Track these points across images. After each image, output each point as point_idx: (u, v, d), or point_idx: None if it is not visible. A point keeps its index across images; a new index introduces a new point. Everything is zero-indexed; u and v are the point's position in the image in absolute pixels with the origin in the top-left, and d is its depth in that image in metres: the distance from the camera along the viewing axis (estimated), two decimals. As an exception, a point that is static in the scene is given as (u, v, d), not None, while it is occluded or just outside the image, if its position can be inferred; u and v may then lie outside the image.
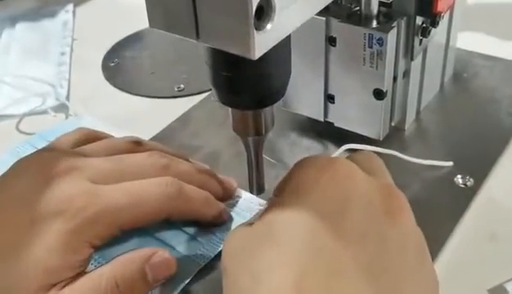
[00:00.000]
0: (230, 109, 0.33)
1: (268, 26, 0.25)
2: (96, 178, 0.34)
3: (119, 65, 0.60)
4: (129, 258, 0.33)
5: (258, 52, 0.25)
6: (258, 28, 0.25)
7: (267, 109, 0.33)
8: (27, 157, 0.36)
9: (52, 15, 0.69)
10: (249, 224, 0.29)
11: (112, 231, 0.33)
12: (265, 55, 0.26)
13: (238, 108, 0.32)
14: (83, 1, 0.73)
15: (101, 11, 0.70)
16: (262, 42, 0.25)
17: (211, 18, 0.26)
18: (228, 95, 0.32)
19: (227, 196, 0.40)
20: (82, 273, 0.32)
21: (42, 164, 0.35)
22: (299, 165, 0.30)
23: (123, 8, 0.69)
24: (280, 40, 0.27)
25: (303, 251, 0.25)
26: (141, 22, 0.29)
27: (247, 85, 0.31)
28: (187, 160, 0.41)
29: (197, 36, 0.27)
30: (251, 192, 0.37)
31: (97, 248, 0.33)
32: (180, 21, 0.27)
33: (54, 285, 0.31)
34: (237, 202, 0.40)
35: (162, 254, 0.34)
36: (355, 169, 0.29)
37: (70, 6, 0.71)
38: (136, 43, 0.64)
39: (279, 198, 0.29)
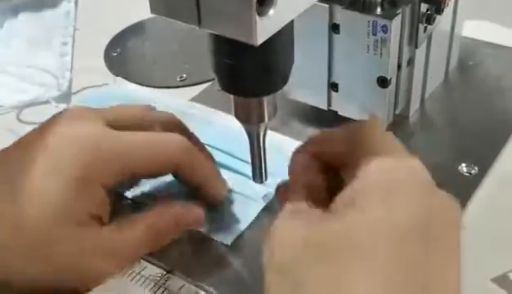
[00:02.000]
0: (233, 97, 0.33)
1: (271, 12, 0.25)
2: (111, 124, 0.35)
3: (122, 55, 0.60)
4: (165, 210, 0.35)
5: (260, 38, 0.25)
6: (261, 13, 0.25)
7: (270, 96, 0.32)
8: None
9: (54, 5, 0.69)
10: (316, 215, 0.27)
11: (124, 172, 0.34)
12: (268, 41, 0.26)
13: (241, 95, 0.32)
14: (85, -9, 0.72)
15: (103, 0, 0.69)
16: (264, 28, 0.25)
17: (213, 3, 0.26)
18: (231, 82, 0.31)
19: None
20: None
21: (58, 115, 0.36)
22: (378, 165, 0.27)
23: (125, -2, 0.68)
24: (282, 26, 0.27)
25: (392, 266, 0.24)
26: (143, 12, 0.29)
27: (250, 72, 0.30)
28: None
29: (199, 22, 0.27)
30: (254, 180, 0.36)
31: (110, 190, 0.34)
32: (182, 7, 0.27)
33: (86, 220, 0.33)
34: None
35: (197, 212, 0.36)
36: (428, 176, 0.28)
37: (72, -4, 0.71)
38: (139, 33, 0.64)
39: (352, 199, 0.26)
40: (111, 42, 0.62)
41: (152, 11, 0.28)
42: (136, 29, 0.64)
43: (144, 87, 0.55)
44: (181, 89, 0.54)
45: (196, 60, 0.57)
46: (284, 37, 0.30)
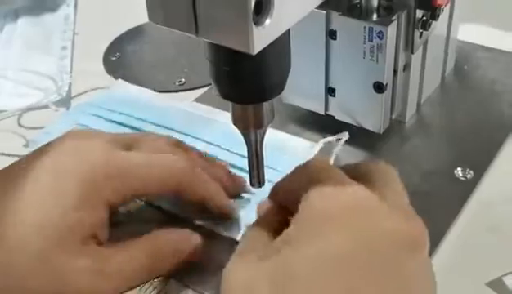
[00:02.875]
0: (230, 103, 0.33)
1: (267, 21, 0.26)
2: (116, 144, 0.36)
3: (121, 59, 0.60)
4: (163, 237, 0.35)
5: (257, 47, 0.26)
6: (257, 23, 0.25)
7: (267, 102, 0.33)
8: None
9: (54, 9, 0.69)
10: (258, 256, 0.27)
11: (125, 190, 0.34)
12: (265, 49, 0.26)
13: (238, 102, 0.33)
14: (84, -6, 0.73)
15: (103, 4, 0.70)
16: (261, 37, 0.26)
17: (210, 13, 0.26)
18: (228, 89, 0.32)
19: (237, 192, 0.40)
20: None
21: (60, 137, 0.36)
22: (311, 194, 0.28)
23: (124, 2, 0.69)
24: (279, 35, 0.27)
25: None
26: (142, 16, 0.30)
27: (247, 79, 0.31)
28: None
29: (196, 31, 0.27)
30: (251, 185, 0.37)
31: (113, 208, 0.34)
32: (179, 16, 0.27)
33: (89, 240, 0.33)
34: (249, 200, 0.40)
35: (194, 241, 0.35)
36: (374, 200, 0.27)
37: (72, 0, 0.71)
38: (138, 37, 0.64)
39: (290, 235, 0.27)
40: (110, 46, 0.63)
41: (150, 19, 0.28)
42: (135, 34, 0.64)
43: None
44: (179, 93, 0.54)
45: (195, 65, 0.57)
46: (280, 45, 0.30)
